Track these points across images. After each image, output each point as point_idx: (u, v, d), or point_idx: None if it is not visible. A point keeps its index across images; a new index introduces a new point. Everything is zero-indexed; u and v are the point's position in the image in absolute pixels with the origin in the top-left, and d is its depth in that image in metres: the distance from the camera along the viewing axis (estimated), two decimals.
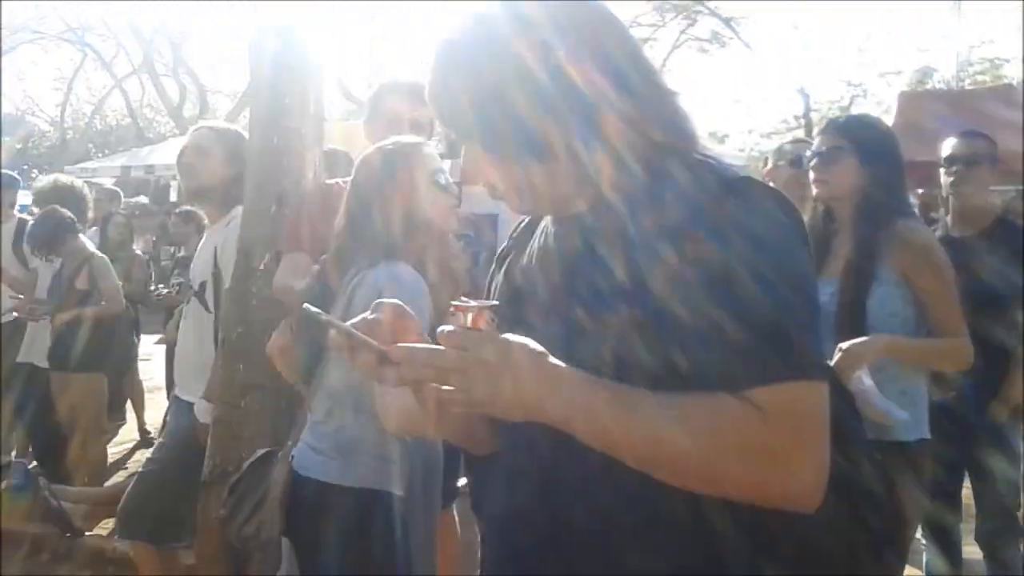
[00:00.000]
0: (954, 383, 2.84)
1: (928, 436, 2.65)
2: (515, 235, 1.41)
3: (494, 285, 1.40)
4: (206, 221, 7.24)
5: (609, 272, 1.15)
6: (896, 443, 2.51)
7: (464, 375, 1.04)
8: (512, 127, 1.17)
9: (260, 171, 3.15)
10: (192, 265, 3.47)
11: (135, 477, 3.45)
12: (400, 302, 1.20)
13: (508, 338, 1.07)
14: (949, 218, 3.57)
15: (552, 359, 1.08)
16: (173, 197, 17.46)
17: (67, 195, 5.59)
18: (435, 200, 2.38)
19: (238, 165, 3.34)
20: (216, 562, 3.07)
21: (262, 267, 3.05)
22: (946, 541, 3.53)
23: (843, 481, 1.15)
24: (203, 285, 3.32)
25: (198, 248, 3.50)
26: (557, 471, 1.20)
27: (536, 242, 1.32)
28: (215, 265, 3.29)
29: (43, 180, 6.26)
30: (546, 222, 1.32)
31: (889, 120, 12.99)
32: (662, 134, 1.21)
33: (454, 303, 1.12)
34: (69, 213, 5.24)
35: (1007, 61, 30.72)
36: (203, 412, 3.20)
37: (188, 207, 7.97)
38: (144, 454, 6.28)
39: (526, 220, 1.41)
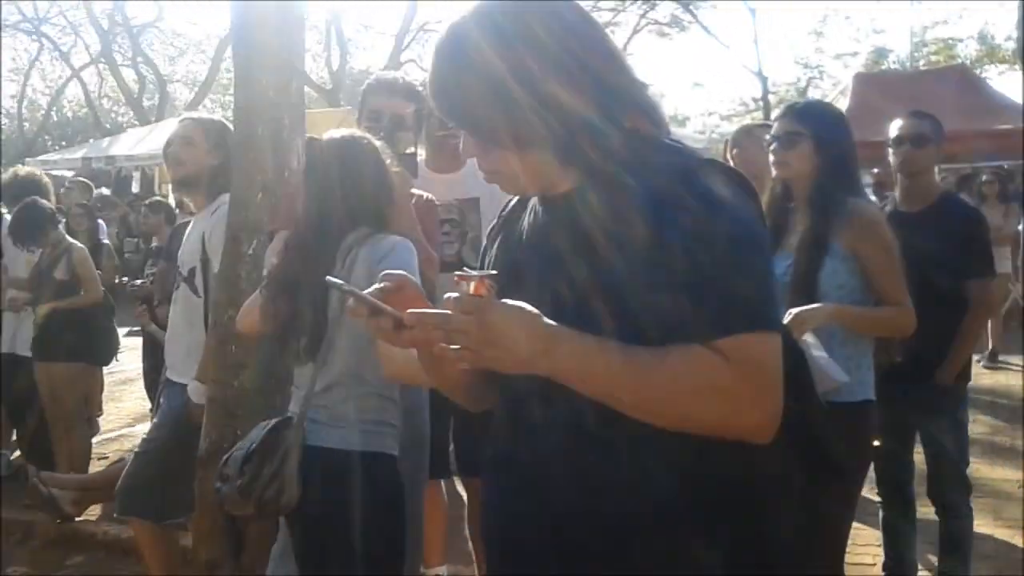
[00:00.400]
0: (899, 349, 3.05)
1: (872, 398, 2.89)
2: (505, 214, 1.59)
3: (488, 259, 1.58)
4: (177, 211, 7.38)
5: (592, 244, 1.33)
6: (842, 403, 2.72)
7: (469, 336, 1.21)
8: (506, 121, 1.35)
9: (246, 160, 3.29)
10: (180, 252, 3.61)
11: (132, 457, 3.59)
12: (404, 272, 1.39)
13: (507, 302, 1.25)
14: (897, 194, 3.80)
15: (545, 319, 1.25)
16: (135, 188, 17.45)
17: (30, 187, 5.68)
18: (398, 177, 2.60)
19: (222, 154, 3.48)
20: (213, 536, 3.22)
21: (250, 252, 3.19)
22: (900, 499, 3.78)
23: (793, 424, 1.35)
24: (192, 271, 3.46)
25: (185, 236, 3.63)
26: (546, 420, 1.38)
27: (526, 219, 1.50)
28: (203, 251, 3.43)
29: (6, 174, 6.33)
30: (534, 202, 1.50)
31: (844, 101, 13.33)
32: (634, 122, 1.39)
33: (457, 273, 1.29)
34: (50, 204, 5.35)
35: (960, 41, 31.35)
36: (196, 393, 3.35)
37: (157, 197, 8.11)
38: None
39: (515, 200, 1.58)
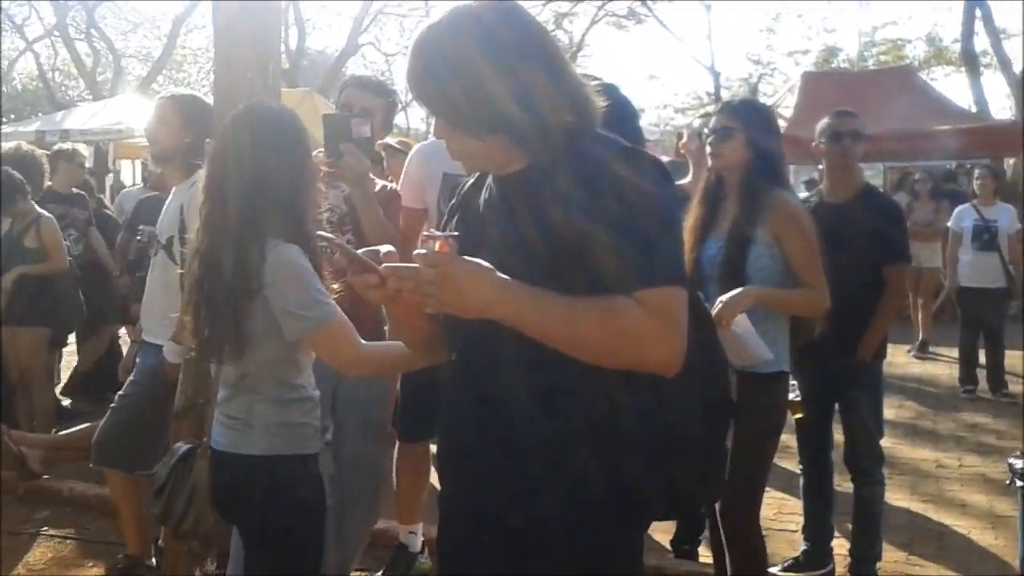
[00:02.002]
0: (818, 325, 3.38)
1: (786, 370, 3.23)
2: (462, 192, 1.88)
3: (448, 228, 1.85)
4: (141, 184, 7.45)
5: (535, 215, 1.63)
6: (759, 374, 3.09)
7: (435, 285, 1.50)
8: (472, 111, 1.63)
9: None
10: (158, 222, 3.81)
11: (108, 411, 3.80)
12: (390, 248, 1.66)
13: (466, 258, 1.53)
14: (824, 187, 4.14)
15: (498, 273, 1.54)
16: (89, 163, 17.34)
17: (27, 160, 5.84)
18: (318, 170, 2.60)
19: (196, 130, 3.66)
20: None
21: None
22: (818, 467, 4.13)
23: (699, 372, 1.72)
24: (170, 239, 3.67)
25: (164, 206, 3.84)
26: (496, 357, 1.67)
27: (483, 195, 1.79)
28: (181, 222, 3.64)
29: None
30: (489, 180, 1.79)
31: (793, 98, 13.75)
32: (574, 115, 1.68)
33: (424, 233, 1.59)
34: (19, 175, 5.50)
35: (909, 42, 32.03)
36: (172, 352, 3.56)
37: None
38: None
39: (471, 180, 1.87)
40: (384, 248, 1.63)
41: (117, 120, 15.37)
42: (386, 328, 2.95)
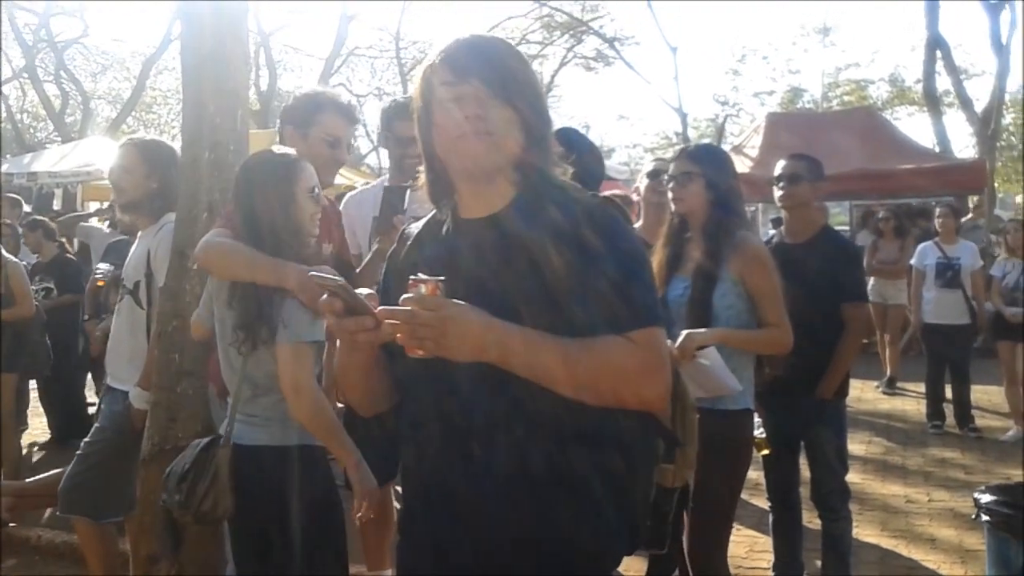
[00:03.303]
0: (780, 364, 3.43)
1: (751, 407, 3.28)
2: (410, 240, 1.86)
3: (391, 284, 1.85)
4: (109, 228, 7.45)
5: (518, 261, 1.65)
6: (725, 410, 3.15)
7: (432, 328, 1.51)
8: (522, 90, 1.70)
9: (192, 182, 3.51)
10: (124, 267, 3.81)
11: (74, 459, 3.77)
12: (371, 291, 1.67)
13: (458, 302, 1.54)
14: (784, 227, 4.22)
15: (492, 318, 1.56)
16: (57, 205, 17.23)
17: None
18: (309, 208, 2.81)
19: (160, 177, 3.68)
20: (153, 533, 3.39)
21: (195, 267, 3.41)
22: (787, 503, 4.16)
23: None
24: (137, 284, 3.66)
25: (131, 251, 3.83)
26: (467, 397, 1.67)
27: (442, 243, 1.77)
28: (148, 266, 3.64)
29: None
30: (446, 226, 1.78)
31: (758, 138, 13.95)
32: (552, 163, 1.76)
33: (412, 278, 1.57)
34: None
35: (872, 83, 32.62)
36: (137, 398, 3.55)
37: (36, 217, 8.18)
38: None
39: (418, 228, 1.86)
40: (364, 291, 1.62)
41: (86, 162, 15.32)
42: None
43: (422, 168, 1.82)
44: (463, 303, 1.54)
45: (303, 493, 2.71)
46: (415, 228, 1.88)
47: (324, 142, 3.25)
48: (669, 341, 2.47)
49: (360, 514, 2.72)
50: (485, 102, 1.67)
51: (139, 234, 3.84)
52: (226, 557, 3.11)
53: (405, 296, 1.53)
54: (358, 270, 3.17)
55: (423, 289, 1.53)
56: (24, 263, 6.65)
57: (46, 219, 7.91)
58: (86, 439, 3.76)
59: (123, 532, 3.92)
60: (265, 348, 2.69)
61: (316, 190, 2.85)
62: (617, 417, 1.67)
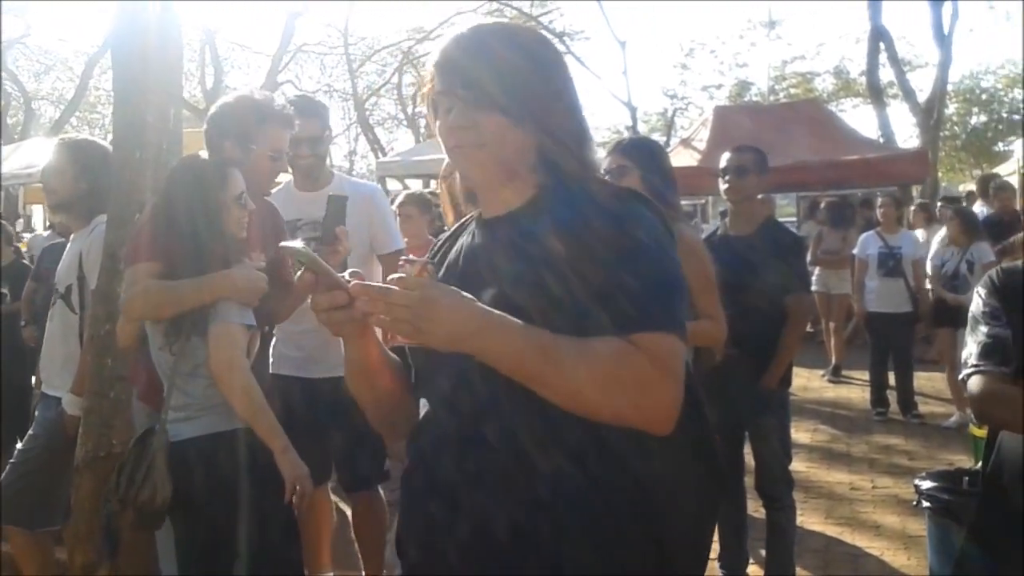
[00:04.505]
0: (720, 353, 3.44)
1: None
2: (440, 247, 1.77)
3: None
4: (48, 231, 7.27)
5: (531, 254, 1.50)
6: None
7: (409, 309, 1.35)
8: (520, 97, 1.54)
9: (125, 182, 3.45)
10: (57, 270, 3.73)
11: (7, 467, 3.68)
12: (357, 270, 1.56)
13: (445, 285, 1.41)
14: (727, 220, 4.24)
15: (479, 304, 1.39)
16: None
17: None
18: (236, 214, 2.83)
19: (91, 178, 3.60)
20: (89, 540, 3.34)
21: (125, 269, 3.35)
22: (731, 494, 4.18)
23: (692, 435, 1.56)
24: (69, 288, 3.59)
25: (64, 254, 3.75)
26: (475, 408, 1.53)
27: (463, 241, 1.68)
28: (80, 269, 3.57)
29: None
30: (471, 227, 1.68)
31: (706, 131, 14.05)
32: (586, 155, 1.62)
33: (403, 258, 1.49)
34: None
35: (818, 75, 33.03)
36: (71, 404, 3.48)
37: None
38: None
39: (445, 237, 1.78)
40: (349, 271, 1.46)
41: (28, 164, 15.05)
42: None
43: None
44: (450, 288, 1.40)
45: (241, 480, 2.71)
46: (442, 237, 1.79)
47: (267, 157, 3.14)
48: None
49: (294, 500, 2.73)
50: (475, 112, 1.54)
51: (71, 236, 3.76)
52: (161, 566, 3.05)
53: (391, 275, 1.40)
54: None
55: (411, 270, 1.44)
56: None
57: (5, 223, 7.76)
58: (19, 447, 3.68)
59: (60, 541, 3.83)
60: (194, 340, 2.74)
61: (243, 197, 2.84)
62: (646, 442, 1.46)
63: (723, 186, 4.10)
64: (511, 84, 1.53)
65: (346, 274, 1.45)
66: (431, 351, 1.44)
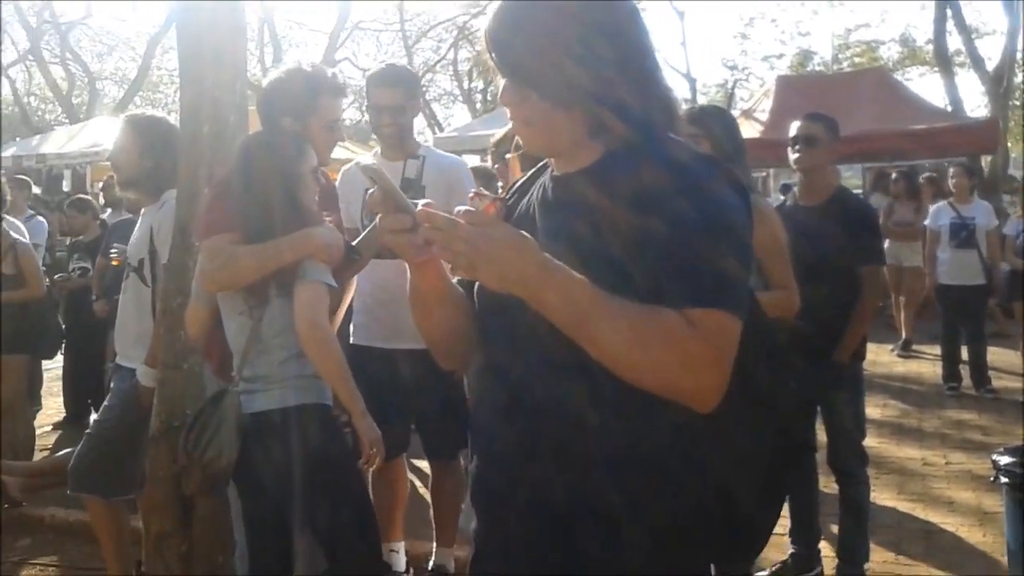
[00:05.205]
0: (786, 327, 3.36)
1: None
2: (514, 189, 1.74)
3: None
4: (109, 211, 7.45)
5: (596, 215, 1.47)
6: None
7: (470, 244, 1.32)
8: (560, 77, 1.48)
9: (193, 157, 3.47)
10: (129, 245, 3.78)
11: (84, 437, 3.76)
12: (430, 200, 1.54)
13: (510, 226, 1.38)
14: (797, 190, 4.15)
15: (542, 252, 1.36)
16: (66, 187, 17.28)
17: None
18: (312, 188, 2.92)
19: (157, 154, 3.63)
20: (163, 510, 3.39)
21: (198, 244, 3.38)
22: (803, 469, 4.09)
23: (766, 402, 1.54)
24: (141, 262, 3.64)
25: (135, 229, 3.81)
26: (533, 361, 1.50)
27: (535, 194, 1.65)
28: (151, 244, 3.62)
29: None
30: (543, 179, 1.65)
31: (768, 102, 13.79)
32: (662, 113, 1.55)
33: (474, 190, 1.48)
34: None
35: (883, 44, 32.26)
36: (145, 376, 3.53)
37: (79, 196, 8.22)
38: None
39: (519, 182, 1.75)
40: (423, 201, 1.43)
41: (94, 143, 15.37)
42: None
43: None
44: (515, 229, 1.37)
45: (315, 452, 2.74)
46: (522, 178, 1.75)
47: (324, 128, 3.17)
48: None
49: (368, 462, 2.80)
50: (519, 90, 1.52)
51: (142, 211, 3.81)
52: (235, 536, 3.10)
53: (459, 207, 1.37)
54: (355, 243, 3.14)
55: (480, 204, 1.42)
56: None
57: (91, 198, 7.99)
58: (95, 417, 3.75)
59: (135, 509, 3.91)
60: (278, 302, 2.79)
61: (317, 170, 2.92)
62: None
63: (792, 156, 4.00)
64: (555, 63, 1.47)
65: (420, 202, 1.43)
66: (491, 298, 1.43)
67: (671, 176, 1.45)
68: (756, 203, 3.19)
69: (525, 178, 1.73)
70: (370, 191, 1.44)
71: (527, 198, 1.66)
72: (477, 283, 1.59)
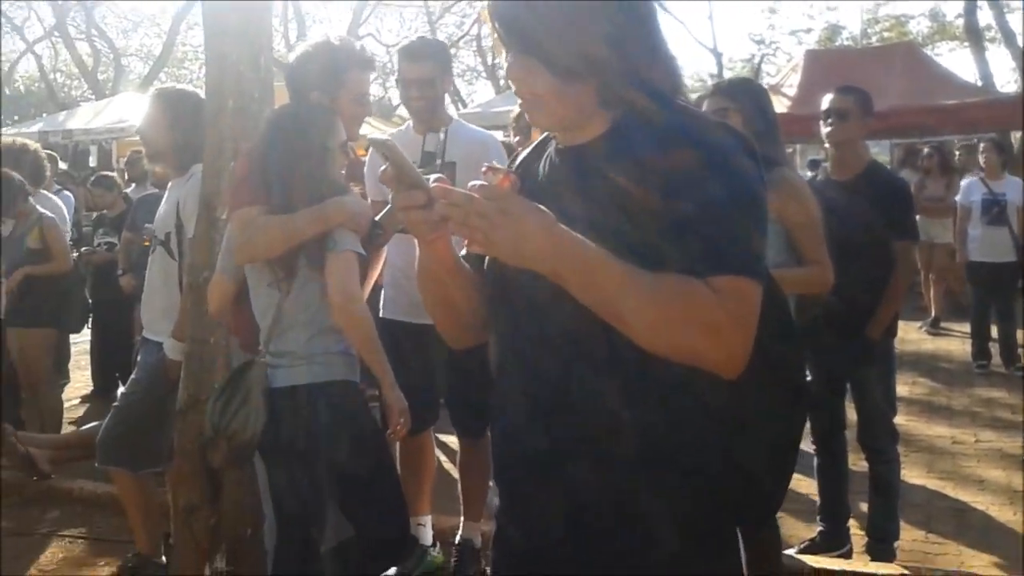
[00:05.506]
0: (822, 302, 3.32)
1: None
2: (521, 161, 1.71)
3: None
4: (133, 185, 7.48)
5: (609, 186, 1.44)
6: None
7: (487, 219, 1.30)
8: (567, 49, 1.45)
9: (218, 132, 3.44)
10: (156, 218, 3.78)
11: (111, 410, 3.78)
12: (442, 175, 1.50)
13: (527, 200, 1.35)
14: (829, 164, 4.08)
15: (558, 224, 1.33)
16: (92, 162, 17.35)
17: (21, 156, 5.81)
18: (340, 161, 2.92)
19: (185, 127, 3.62)
20: (192, 482, 3.40)
21: (223, 217, 3.37)
22: (832, 447, 4.08)
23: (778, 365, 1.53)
24: (168, 235, 3.64)
25: (162, 203, 3.81)
26: (552, 333, 1.48)
27: (541, 167, 1.61)
28: (178, 217, 3.61)
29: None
30: (549, 151, 1.62)
31: (796, 77, 13.63)
32: (666, 81, 1.53)
33: (486, 165, 1.44)
34: (19, 176, 5.46)
35: (912, 18, 31.80)
36: (172, 349, 3.54)
37: (104, 173, 8.27)
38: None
39: (524, 154, 1.72)
40: (435, 176, 1.41)
41: (119, 119, 15.45)
42: None
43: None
44: (531, 203, 1.34)
45: (342, 429, 2.75)
46: (524, 152, 1.72)
47: (352, 102, 3.18)
48: None
49: (395, 433, 2.83)
50: (524, 64, 1.48)
51: (169, 185, 3.81)
52: (264, 509, 3.11)
53: (473, 183, 1.35)
54: (377, 218, 3.12)
55: (494, 179, 1.39)
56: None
57: (115, 175, 8.04)
58: (123, 390, 3.77)
59: (163, 482, 3.93)
60: (306, 276, 2.79)
61: (346, 144, 2.91)
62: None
63: (824, 129, 3.93)
64: (561, 34, 1.44)
65: (431, 177, 1.40)
66: (506, 275, 1.42)
67: (687, 144, 1.42)
68: (789, 178, 3.17)
69: (528, 151, 1.70)
70: (383, 167, 1.42)
71: (535, 171, 1.63)
72: (488, 261, 1.58)
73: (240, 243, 2.88)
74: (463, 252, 1.64)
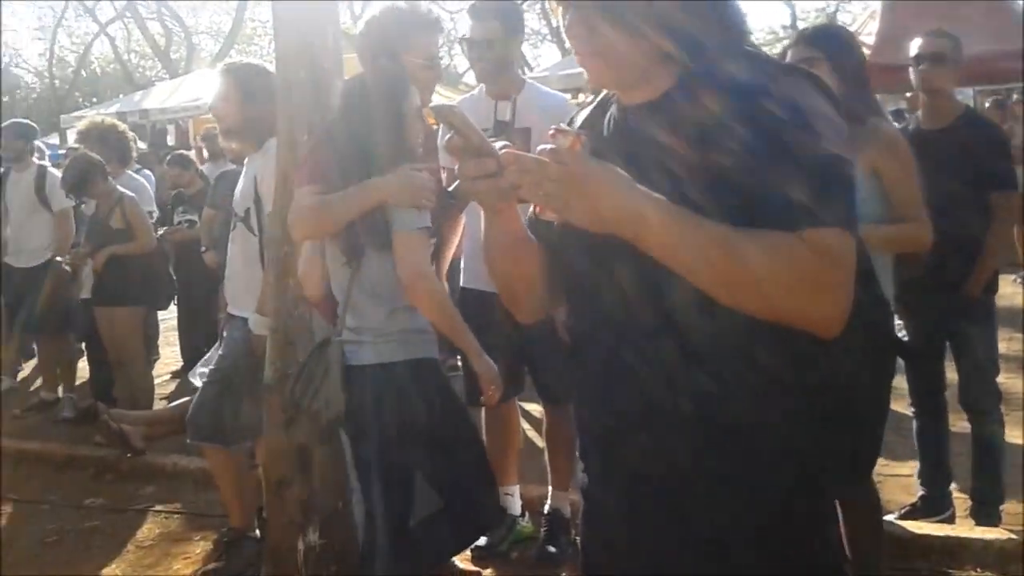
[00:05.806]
0: (924, 261, 3.17)
1: (890, 306, 3.00)
2: (584, 121, 1.63)
3: None
4: (207, 162, 7.57)
5: (683, 140, 1.36)
6: None
7: (561, 184, 1.26)
8: (631, 2, 1.39)
9: (290, 104, 3.41)
10: (235, 195, 3.79)
11: (200, 387, 3.82)
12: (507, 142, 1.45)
13: (599, 161, 1.29)
14: (920, 113, 3.90)
15: (635, 185, 1.28)
16: (171, 141, 17.65)
17: (109, 135, 5.91)
18: (417, 128, 2.86)
19: (257, 103, 3.61)
20: (282, 457, 3.42)
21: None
22: (932, 408, 3.94)
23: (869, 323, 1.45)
24: (247, 211, 3.64)
25: (240, 179, 3.81)
26: (629, 300, 1.41)
27: (608, 127, 1.54)
28: (256, 193, 3.61)
29: (81, 122, 6.66)
30: (611, 112, 1.55)
31: (874, 25, 13.17)
32: (731, 27, 1.46)
33: (554, 127, 1.37)
34: (98, 156, 5.55)
35: None
36: (257, 325, 3.54)
37: (179, 152, 8.39)
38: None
39: (582, 115, 1.65)
40: (501, 142, 1.38)
41: (194, 97, 15.65)
42: None
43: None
44: (606, 163, 1.29)
45: (422, 406, 2.72)
46: (584, 112, 1.65)
47: (422, 66, 3.13)
48: None
49: (488, 400, 2.86)
50: (587, 20, 1.42)
51: (246, 160, 3.81)
52: (351, 483, 3.11)
53: (542, 146, 1.29)
54: (451, 187, 3.07)
55: (563, 141, 1.32)
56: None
57: (189, 154, 8.19)
58: (211, 366, 3.81)
59: (254, 457, 3.97)
60: (373, 255, 2.75)
61: (421, 111, 2.84)
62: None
63: (916, 76, 3.75)
64: None
65: (499, 144, 1.35)
66: (581, 240, 1.37)
67: (762, 94, 1.34)
68: (884, 129, 3.01)
69: (589, 111, 1.63)
70: (448, 136, 1.36)
71: (599, 132, 1.55)
72: (561, 227, 1.50)
73: (291, 225, 2.90)
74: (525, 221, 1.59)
